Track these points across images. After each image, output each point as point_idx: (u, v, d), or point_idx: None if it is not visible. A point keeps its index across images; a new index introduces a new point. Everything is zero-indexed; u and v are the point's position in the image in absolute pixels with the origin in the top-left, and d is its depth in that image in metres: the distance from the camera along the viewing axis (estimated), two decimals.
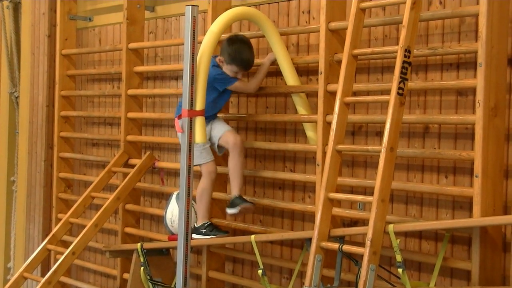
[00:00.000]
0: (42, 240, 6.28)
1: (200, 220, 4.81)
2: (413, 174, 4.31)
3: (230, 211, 4.77)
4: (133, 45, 5.96)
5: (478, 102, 3.65)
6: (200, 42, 4.48)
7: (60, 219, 6.25)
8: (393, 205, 4.39)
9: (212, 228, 4.79)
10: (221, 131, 4.82)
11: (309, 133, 4.68)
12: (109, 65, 6.59)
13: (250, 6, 5.16)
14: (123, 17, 5.99)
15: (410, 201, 4.33)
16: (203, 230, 4.76)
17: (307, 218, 4.83)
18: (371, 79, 4.50)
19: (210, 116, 4.77)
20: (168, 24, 6.02)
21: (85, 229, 5.53)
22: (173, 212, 4.98)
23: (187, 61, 4.31)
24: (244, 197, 4.83)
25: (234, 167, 4.78)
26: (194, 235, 4.66)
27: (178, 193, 4.62)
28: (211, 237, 4.73)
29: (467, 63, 4.01)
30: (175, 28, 5.93)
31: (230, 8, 5.06)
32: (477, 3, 3.70)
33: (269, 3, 5.13)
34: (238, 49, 4.65)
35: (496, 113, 3.67)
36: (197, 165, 4.63)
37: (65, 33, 6.78)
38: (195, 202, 4.97)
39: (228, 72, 4.69)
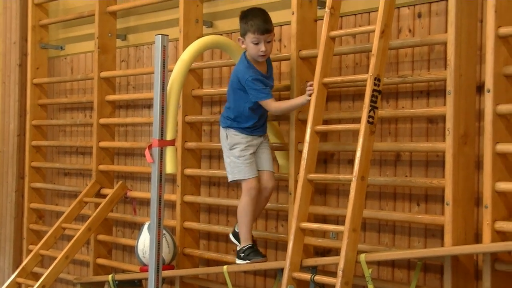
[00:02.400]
0: (13, 272, 6.21)
1: (242, 242, 4.42)
2: (385, 202, 4.32)
3: (239, 262, 4.41)
4: (104, 73, 5.96)
5: (447, 130, 3.67)
6: (171, 71, 4.48)
7: (31, 251, 6.18)
8: (365, 234, 4.39)
9: (250, 252, 4.37)
10: (266, 166, 4.43)
11: (281, 161, 4.69)
12: (81, 94, 6.57)
13: (221, 34, 5.19)
14: (94, 45, 5.98)
15: (383, 229, 4.34)
16: (242, 254, 4.39)
17: (280, 247, 4.82)
18: (343, 107, 4.53)
19: (258, 129, 4.42)
20: (140, 53, 6.03)
21: (56, 261, 5.47)
22: (145, 242, 4.94)
23: (157, 90, 4.31)
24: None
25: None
26: (237, 260, 4.42)
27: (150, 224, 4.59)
28: (247, 262, 4.36)
29: (437, 91, 4.05)
30: (147, 57, 5.94)
31: (202, 36, 5.09)
32: (446, 32, 3.74)
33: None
34: (247, 16, 4.28)
35: (466, 140, 3.69)
36: (236, 180, 4.39)
37: (37, 62, 6.76)
38: (166, 231, 4.95)
39: (249, 50, 4.26)
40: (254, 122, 4.35)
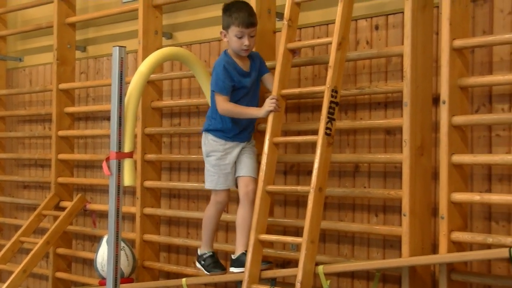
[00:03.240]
0: None
1: (203, 248, 4.40)
2: (344, 213, 4.33)
3: (236, 270, 4.15)
4: (63, 85, 5.91)
5: (404, 141, 3.69)
6: (129, 83, 4.45)
7: None
8: (325, 245, 4.40)
9: (210, 263, 4.34)
10: (244, 171, 4.23)
11: None
12: (40, 106, 6.51)
13: (181, 45, 5.18)
14: (53, 57, 5.93)
15: (342, 240, 4.34)
16: (203, 262, 4.37)
17: None
18: (302, 118, 4.53)
19: (241, 135, 4.26)
20: (99, 64, 5.99)
21: (13, 276, 5.40)
22: (103, 256, 4.89)
23: (115, 102, 4.27)
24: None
25: (245, 219, 4.17)
26: (197, 263, 4.41)
27: None
28: (207, 274, 4.35)
29: (394, 102, 4.07)
30: (107, 68, 5.90)
31: (161, 48, 5.07)
32: (402, 44, 3.76)
33: (200, 43, 5.16)
34: (232, 7, 4.15)
35: (422, 152, 3.71)
36: (208, 188, 4.31)
37: None
38: (126, 244, 4.91)
39: (232, 44, 4.13)
40: (237, 129, 4.22)
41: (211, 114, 4.27)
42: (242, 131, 4.24)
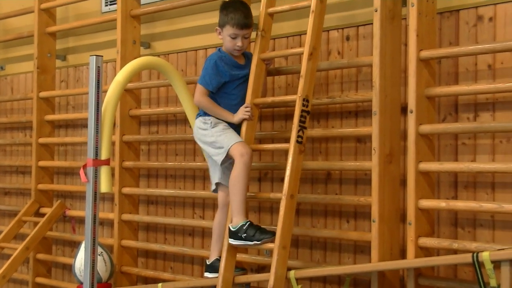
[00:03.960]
0: None
1: (235, 220, 3.81)
2: (316, 219, 4.34)
3: (210, 275, 4.04)
4: (44, 93, 5.90)
5: (373, 149, 3.71)
6: (106, 91, 4.45)
7: None
8: (298, 250, 4.41)
9: (254, 230, 3.76)
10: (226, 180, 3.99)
11: None
12: (21, 113, 6.49)
13: (159, 55, 5.18)
14: (34, 66, 5.92)
15: (315, 246, 4.35)
16: (243, 235, 3.76)
17: None
18: (276, 127, 4.54)
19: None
20: (79, 73, 5.98)
21: None
22: (82, 261, 4.86)
23: (92, 110, 4.27)
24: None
25: (221, 225, 4.02)
26: (232, 241, 3.82)
27: None
28: (255, 243, 3.74)
29: (364, 111, 4.09)
30: (86, 77, 5.87)
31: (139, 57, 5.07)
32: (372, 54, 3.78)
33: (177, 53, 5.17)
34: (228, 7, 4.03)
35: (391, 159, 3.74)
36: (227, 153, 3.86)
37: None
38: (104, 250, 4.90)
39: (225, 43, 4.03)
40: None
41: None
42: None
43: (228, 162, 3.93)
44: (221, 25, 4.03)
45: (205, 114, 4.04)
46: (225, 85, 4.04)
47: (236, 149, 3.85)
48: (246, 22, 3.99)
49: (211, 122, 3.99)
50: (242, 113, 4.00)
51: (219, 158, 3.92)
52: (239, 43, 3.99)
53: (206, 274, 4.12)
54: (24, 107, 6.45)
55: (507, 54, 3.53)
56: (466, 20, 3.71)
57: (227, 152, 3.87)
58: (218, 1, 4.59)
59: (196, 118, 4.13)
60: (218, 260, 4.02)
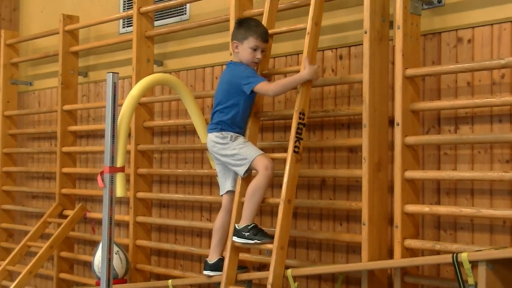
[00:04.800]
0: None
1: (243, 221, 3.80)
2: (312, 222, 4.31)
3: (212, 273, 3.99)
4: (67, 107, 5.90)
5: (364, 158, 3.69)
6: (121, 105, 4.44)
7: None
8: (296, 250, 4.38)
9: (257, 232, 3.75)
10: (233, 186, 3.95)
11: None
12: (47, 124, 6.49)
13: (170, 72, 5.18)
14: (58, 81, 5.92)
15: (311, 246, 4.32)
16: (246, 234, 3.76)
17: None
18: (276, 137, 4.52)
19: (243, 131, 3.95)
20: (99, 88, 5.98)
21: (20, 276, 5.36)
22: (100, 259, 4.85)
23: (108, 122, 4.26)
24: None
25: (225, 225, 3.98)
26: (235, 238, 3.81)
27: None
28: (255, 242, 3.75)
29: (356, 124, 4.07)
30: (106, 91, 5.86)
31: (152, 73, 5.06)
32: (362, 72, 3.76)
33: (187, 70, 5.15)
34: (249, 22, 3.93)
35: (379, 168, 3.71)
36: (250, 165, 3.77)
37: (7, 96, 6.67)
38: (120, 249, 4.88)
39: (245, 55, 3.88)
40: (244, 128, 3.96)
41: (228, 117, 3.90)
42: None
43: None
44: (242, 38, 3.88)
45: (222, 129, 3.90)
46: (250, 95, 3.89)
47: (260, 161, 3.77)
48: (267, 36, 3.93)
49: (230, 136, 3.87)
50: (315, 68, 3.71)
51: (242, 169, 3.82)
52: (258, 55, 3.89)
53: (207, 273, 4.05)
54: (49, 119, 6.45)
55: (484, 73, 3.51)
56: (447, 41, 3.69)
57: (250, 164, 3.80)
58: (224, 24, 4.61)
59: (209, 133, 3.98)
60: (221, 259, 4.00)
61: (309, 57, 3.74)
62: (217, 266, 4.01)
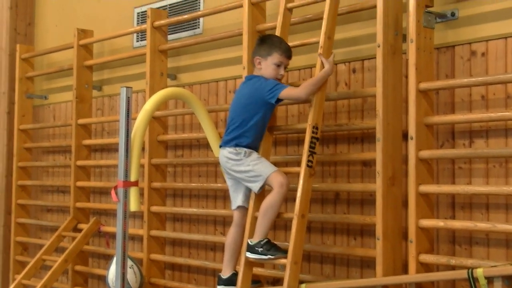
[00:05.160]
0: None
1: (257, 237, 3.76)
2: (326, 236, 4.30)
3: (251, 256, 3.79)
4: (82, 120, 5.93)
5: (377, 173, 3.67)
6: (135, 119, 4.46)
7: None
8: (310, 265, 4.36)
9: (270, 247, 3.72)
10: (247, 203, 3.96)
11: None
12: (61, 138, 6.53)
13: (184, 86, 5.19)
14: (73, 95, 5.96)
15: (325, 261, 4.30)
16: (260, 249, 3.73)
17: None
18: (289, 151, 4.52)
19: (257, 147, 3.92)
20: (113, 102, 6.01)
21: None
22: (114, 273, 4.86)
23: (122, 136, 4.28)
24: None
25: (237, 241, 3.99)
26: (249, 254, 3.77)
27: None
28: (269, 257, 3.72)
29: (369, 137, 4.05)
30: (120, 105, 5.89)
31: (166, 87, 5.09)
32: (376, 85, 3.75)
33: (200, 84, 5.16)
34: (273, 38, 3.91)
35: (393, 182, 3.69)
36: (265, 182, 3.76)
37: (23, 110, 6.72)
38: (134, 263, 4.89)
39: (269, 70, 3.84)
40: (258, 148, 3.94)
41: (243, 131, 3.87)
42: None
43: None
44: (266, 54, 3.85)
45: (236, 145, 3.86)
46: (270, 109, 3.89)
47: (275, 178, 3.74)
48: (291, 53, 3.91)
49: (244, 152, 3.84)
50: (331, 61, 3.75)
51: (256, 185, 3.80)
52: (282, 71, 3.88)
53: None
54: (64, 132, 6.49)
55: (498, 86, 3.49)
56: (461, 55, 3.67)
57: (265, 181, 3.77)
58: (238, 38, 4.63)
59: (222, 148, 3.95)
60: (234, 274, 3.99)
61: (323, 54, 3.74)
62: (231, 281, 3.99)
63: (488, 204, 3.55)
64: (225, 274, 4.04)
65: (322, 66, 3.76)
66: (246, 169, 3.83)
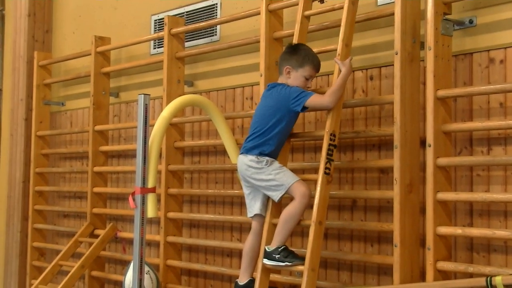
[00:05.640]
0: None
1: (274, 243, 3.78)
2: (343, 243, 4.30)
3: (268, 262, 3.79)
4: (98, 127, 5.97)
5: (395, 180, 3.67)
6: (153, 125, 4.49)
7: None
8: (326, 272, 4.36)
9: (288, 254, 3.74)
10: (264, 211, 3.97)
11: None
12: (78, 144, 6.57)
13: (201, 93, 5.22)
14: (90, 102, 6.00)
15: (342, 267, 4.31)
16: (277, 256, 3.74)
17: None
18: (306, 158, 4.53)
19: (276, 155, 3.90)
20: (130, 108, 6.04)
21: None
22: (131, 279, 4.88)
23: (140, 143, 4.31)
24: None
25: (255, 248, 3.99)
26: (266, 261, 3.79)
27: None
28: (286, 264, 3.74)
29: (387, 144, 4.05)
30: (137, 112, 5.91)
31: (183, 94, 5.11)
32: (393, 93, 3.75)
33: (217, 90, 5.19)
34: (306, 50, 3.90)
35: (411, 189, 3.69)
36: (287, 191, 3.76)
37: (40, 116, 6.77)
38: (150, 268, 4.91)
39: (298, 82, 3.85)
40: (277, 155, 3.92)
41: (267, 139, 3.85)
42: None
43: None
44: (298, 65, 3.84)
45: (260, 153, 3.84)
46: (294, 119, 3.90)
47: (298, 189, 3.74)
48: (320, 66, 3.92)
49: (266, 161, 3.82)
50: (348, 63, 3.77)
51: (277, 195, 3.79)
52: (309, 84, 3.90)
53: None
54: (81, 139, 6.53)
55: None
56: (479, 62, 3.67)
57: (286, 190, 3.78)
58: (255, 45, 4.65)
59: (243, 155, 3.92)
60: (251, 281, 3.99)
61: (340, 58, 3.77)
62: (248, 287, 4.00)
63: (506, 212, 3.54)
64: (242, 280, 4.05)
65: (339, 71, 3.77)
66: (267, 178, 3.82)
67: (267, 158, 3.85)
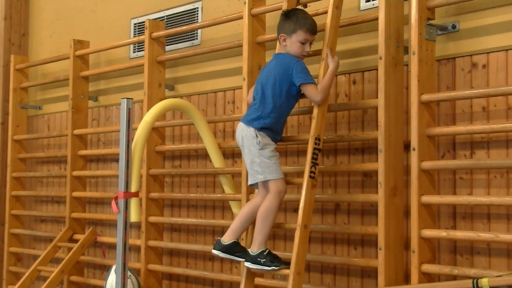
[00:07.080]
0: None
1: (257, 247, 3.73)
2: (327, 246, 4.31)
3: (253, 266, 3.77)
4: (77, 131, 5.91)
5: (379, 183, 3.69)
6: (135, 129, 4.45)
7: None
8: (310, 275, 4.37)
9: (273, 258, 3.72)
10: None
11: (235, 209, 4.65)
12: (56, 149, 6.50)
13: (182, 97, 5.20)
14: (68, 106, 5.94)
15: (325, 270, 4.31)
16: (262, 260, 3.71)
17: (235, 287, 4.76)
18: (289, 162, 4.53)
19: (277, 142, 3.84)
20: (109, 112, 5.99)
21: None
22: (112, 284, 4.84)
23: (123, 147, 4.27)
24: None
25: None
26: (249, 265, 3.75)
27: None
28: (273, 269, 3.70)
29: (370, 148, 4.07)
30: (116, 116, 5.90)
31: (164, 98, 5.09)
32: (377, 97, 3.77)
33: (198, 94, 5.17)
34: (298, 14, 3.80)
35: (395, 192, 3.71)
36: (266, 181, 3.73)
37: (17, 120, 6.68)
38: (132, 273, 4.87)
39: (294, 48, 3.76)
40: (280, 135, 3.88)
41: (267, 113, 3.76)
42: (279, 139, 3.90)
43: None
44: (290, 31, 3.76)
45: (261, 128, 3.74)
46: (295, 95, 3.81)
47: (276, 185, 3.72)
48: (316, 28, 3.81)
49: (259, 142, 3.74)
50: (335, 59, 3.77)
51: (252, 180, 3.77)
52: (307, 48, 3.79)
53: (216, 252, 3.84)
54: (59, 143, 6.46)
55: (499, 98, 3.52)
56: (462, 67, 3.71)
57: (265, 181, 3.74)
58: (236, 49, 4.64)
59: (244, 125, 3.79)
60: (235, 243, 3.83)
61: (330, 54, 3.76)
62: (230, 249, 3.83)
63: (489, 214, 3.57)
64: (226, 240, 3.86)
65: (325, 72, 3.76)
66: (256, 155, 3.74)
67: (261, 138, 3.74)
